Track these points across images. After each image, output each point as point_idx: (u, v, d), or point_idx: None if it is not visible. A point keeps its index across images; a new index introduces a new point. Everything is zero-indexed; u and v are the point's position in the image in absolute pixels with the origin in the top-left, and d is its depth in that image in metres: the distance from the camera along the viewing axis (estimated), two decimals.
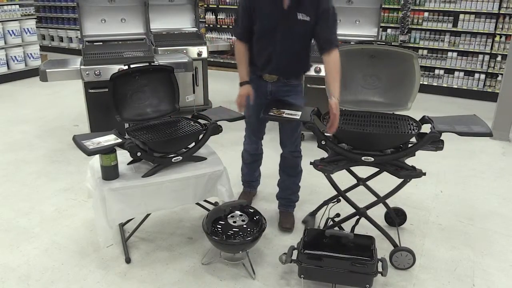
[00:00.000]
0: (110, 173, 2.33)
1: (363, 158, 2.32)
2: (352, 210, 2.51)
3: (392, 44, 2.82)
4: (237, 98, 2.59)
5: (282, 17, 2.40)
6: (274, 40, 2.46)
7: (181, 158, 2.48)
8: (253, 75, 2.62)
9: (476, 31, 5.80)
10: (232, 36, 7.60)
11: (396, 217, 2.82)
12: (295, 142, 2.72)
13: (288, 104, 2.57)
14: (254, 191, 3.22)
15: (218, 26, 7.78)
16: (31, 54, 7.03)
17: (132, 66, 2.59)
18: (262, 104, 2.57)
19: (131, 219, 2.70)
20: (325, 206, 2.82)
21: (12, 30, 6.70)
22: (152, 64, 2.69)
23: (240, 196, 3.15)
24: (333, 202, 2.76)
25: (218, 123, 2.58)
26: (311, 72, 3.84)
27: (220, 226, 2.34)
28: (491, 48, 5.78)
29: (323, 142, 2.36)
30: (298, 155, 2.77)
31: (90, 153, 2.21)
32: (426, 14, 6.04)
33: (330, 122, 2.25)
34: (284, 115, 2.42)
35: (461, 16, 5.84)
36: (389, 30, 6.31)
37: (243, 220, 2.38)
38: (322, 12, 2.37)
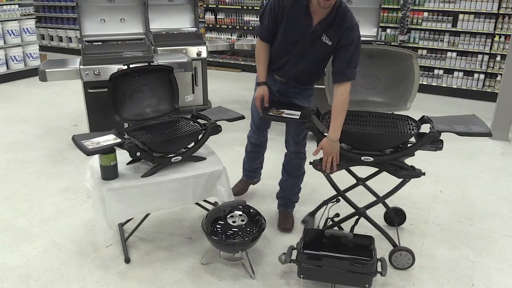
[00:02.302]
0: (109, 173, 2.33)
1: (362, 158, 2.32)
2: (351, 210, 2.51)
3: (392, 44, 2.83)
4: (255, 101, 2.58)
5: (306, 35, 2.35)
6: (293, 52, 2.43)
7: (180, 158, 2.48)
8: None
9: (475, 31, 5.80)
10: (231, 36, 7.61)
11: (396, 217, 2.83)
12: (300, 143, 2.71)
13: (288, 104, 2.58)
14: (250, 181, 3.22)
15: (218, 26, 7.78)
16: (30, 54, 7.03)
17: (131, 66, 2.59)
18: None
19: (131, 219, 2.70)
20: (325, 206, 2.82)
21: (11, 30, 6.70)
22: (152, 64, 2.68)
23: (236, 184, 3.17)
24: (332, 202, 2.76)
25: (218, 123, 2.58)
26: None
27: (219, 226, 2.34)
28: (491, 48, 5.78)
29: None
30: (302, 157, 2.77)
31: (89, 153, 2.21)
32: (425, 14, 6.05)
33: (323, 161, 2.29)
34: (284, 115, 2.43)
35: (461, 16, 5.85)
36: (388, 30, 6.31)
37: (242, 220, 2.38)
38: (344, 43, 2.30)
